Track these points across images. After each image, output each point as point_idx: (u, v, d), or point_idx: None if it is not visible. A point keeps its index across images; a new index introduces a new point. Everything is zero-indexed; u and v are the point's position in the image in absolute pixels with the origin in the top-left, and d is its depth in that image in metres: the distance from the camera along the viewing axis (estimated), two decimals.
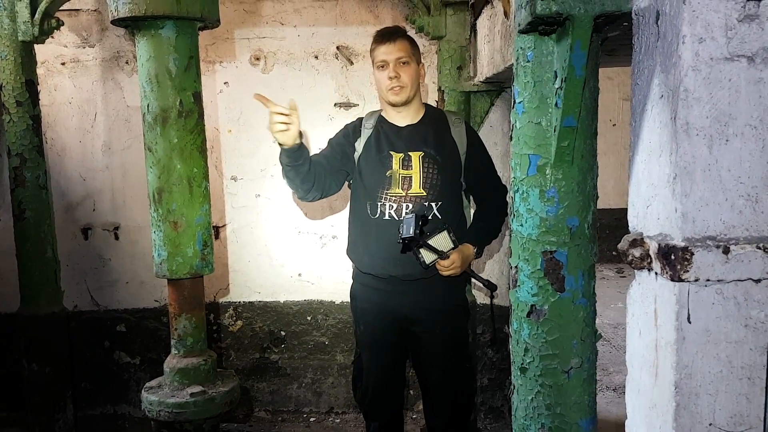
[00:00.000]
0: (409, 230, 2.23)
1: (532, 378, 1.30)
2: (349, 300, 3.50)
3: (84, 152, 3.52)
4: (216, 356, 2.13)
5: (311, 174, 2.37)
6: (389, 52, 2.36)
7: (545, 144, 1.23)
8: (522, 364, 1.31)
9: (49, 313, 3.14)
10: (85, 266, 3.60)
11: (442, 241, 2.33)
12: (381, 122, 2.50)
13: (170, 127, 1.95)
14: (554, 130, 1.21)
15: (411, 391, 3.49)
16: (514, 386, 1.37)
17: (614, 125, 6.73)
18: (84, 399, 3.64)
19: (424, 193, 2.40)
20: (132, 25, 1.92)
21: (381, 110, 2.56)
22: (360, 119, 2.56)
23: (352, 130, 2.53)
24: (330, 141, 2.58)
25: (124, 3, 1.80)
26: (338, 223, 3.49)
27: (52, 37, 3.27)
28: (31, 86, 2.95)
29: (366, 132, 2.48)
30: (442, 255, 2.32)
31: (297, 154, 2.28)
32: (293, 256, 3.56)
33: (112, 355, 3.67)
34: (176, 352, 2.06)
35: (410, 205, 2.39)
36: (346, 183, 2.59)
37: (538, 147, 1.23)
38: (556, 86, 1.19)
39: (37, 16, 2.81)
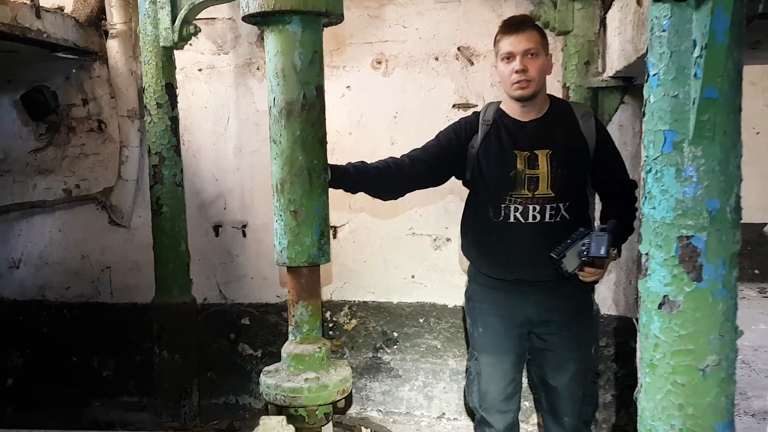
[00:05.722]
0: (599, 249, 2.09)
1: (662, 375, 1.20)
2: (461, 304, 3.47)
3: (217, 154, 3.74)
4: (329, 345, 2.16)
5: (381, 182, 2.35)
6: (516, 43, 2.21)
7: (682, 118, 1.14)
8: (651, 360, 1.21)
9: (180, 303, 3.33)
10: (215, 261, 3.81)
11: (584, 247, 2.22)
12: (501, 116, 2.37)
13: (294, 120, 2.01)
14: (693, 103, 1.12)
15: (526, 403, 3.37)
16: (641, 384, 1.26)
17: (758, 133, 6.19)
18: (209, 388, 3.84)
19: (552, 194, 2.28)
20: (261, 21, 2.01)
21: (500, 102, 2.42)
22: (476, 114, 2.44)
23: (467, 126, 2.41)
24: (438, 135, 2.46)
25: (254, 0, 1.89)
26: (452, 225, 3.44)
27: (190, 45, 3.51)
28: (170, 89, 3.16)
29: (484, 127, 2.36)
30: (587, 261, 2.21)
31: (336, 185, 2.28)
32: (407, 257, 3.56)
33: (236, 346, 3.85)
34: (293, 338, 2.12)
35: (537, 207, 2.28)
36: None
37: (674, 122, 1.14)
38: (695, 55, 1.10)
39: (177, 23, 3.02)
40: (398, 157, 2.41)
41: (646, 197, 1.21)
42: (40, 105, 3.71)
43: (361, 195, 3.53)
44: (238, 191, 3.75)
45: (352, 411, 3.67)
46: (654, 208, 1.18)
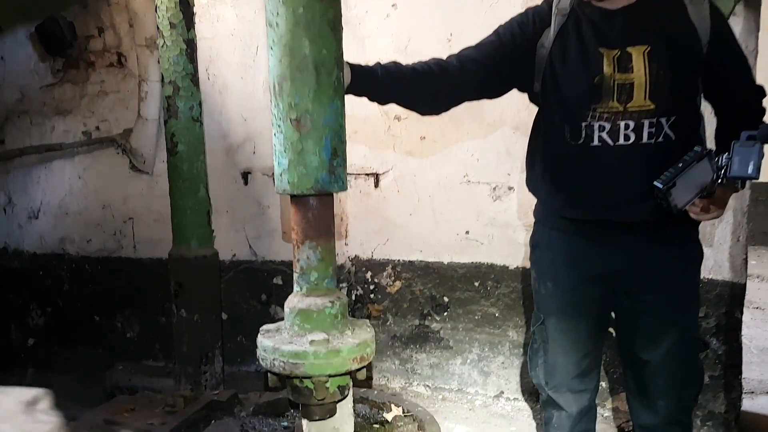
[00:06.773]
0: (746, 167, 1.55)
1: None
2: (525, 265, 2.91)
3: (245, 90, 3.30)
4: (347, 300, 1.67)
5: (418, 87, 1.78)
6: None
7: None
8: None
9: (199, 256, 2.92)
10: (244, 213, 3.40)
11: (701, 172, 1.65)
12: (581, 4, 1.78)
13: None
14: None
15: (603, 383, 2.79)
16: None
17: None
18: (239, 353, 3.47)
19: (652, 106, 1.70)
20: None
21: None
22: (548, 2, 1.85)
23: (536, 17, 1.84)
24: (498, 30, 1.89)
25: None
26: (515, 171, 2.89)
27: None
28: (185, 6, 2.71)
29: (559, 19, 1.78)
30: (704, 192, 1.66)
31: (359, 90, 1.72)
32: (461, 210, 3.02)
33: (268, 309, 3.46)
34: (298, 289, 1.65)
35: (631, 124, 1.70)
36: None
37: None
38: None
39: None
40: (444, 58, 1.86)
41: None
42: (57, 38, 3.37)
43: (407, 136, 3.05)
44: (268, 133, 3.24)
45: (396, 386, 3.20)
46: None
